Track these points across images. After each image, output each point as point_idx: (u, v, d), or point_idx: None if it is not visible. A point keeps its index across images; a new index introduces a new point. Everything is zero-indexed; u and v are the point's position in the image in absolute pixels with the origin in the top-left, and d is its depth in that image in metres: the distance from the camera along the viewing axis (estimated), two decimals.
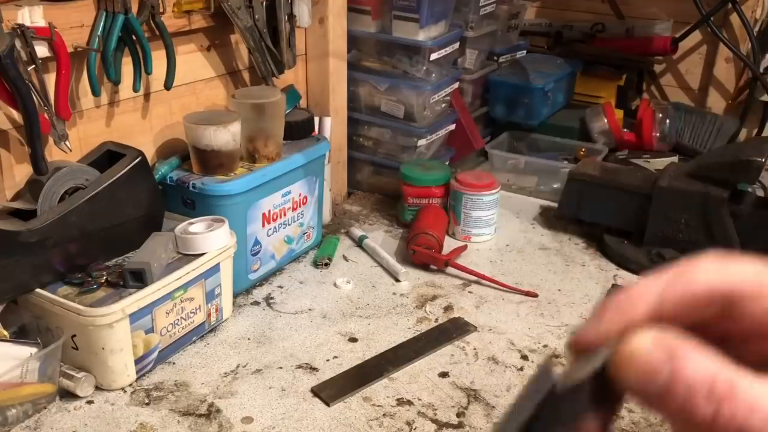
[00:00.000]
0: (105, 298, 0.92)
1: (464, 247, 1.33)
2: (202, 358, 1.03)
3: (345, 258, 1.31)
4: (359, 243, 1.35)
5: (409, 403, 0.95)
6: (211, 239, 1.03)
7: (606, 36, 1.93)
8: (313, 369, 1.01)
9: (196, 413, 0.92)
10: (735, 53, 1.71)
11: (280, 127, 1.20)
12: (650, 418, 0.92)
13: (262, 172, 1.15)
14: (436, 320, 1.13)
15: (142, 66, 1.09)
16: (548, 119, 1.74)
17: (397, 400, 0.95)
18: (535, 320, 1.13)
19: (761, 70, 1.69)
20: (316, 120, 1.39)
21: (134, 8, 1.04)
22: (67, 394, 0.94)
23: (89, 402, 0.93)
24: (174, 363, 1.01)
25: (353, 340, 1.08)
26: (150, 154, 1.18)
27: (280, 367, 1.01)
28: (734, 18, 1.72)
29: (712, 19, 1.68)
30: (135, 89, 1.10)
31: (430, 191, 1.39)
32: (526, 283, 1.23)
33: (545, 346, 1.07)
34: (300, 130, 1.27)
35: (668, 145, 1.68)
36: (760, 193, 1.39)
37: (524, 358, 1.04)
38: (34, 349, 0.90)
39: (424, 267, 1.28)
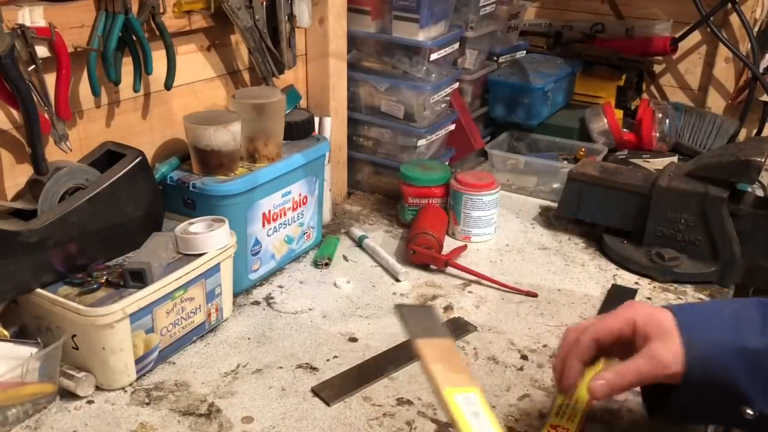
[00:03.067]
0: (105, 298, 0.92)
1: (464, 247, 1.34)
2: (203, 357, 1.03)
3: (345, 258, 1.32)
4: (359, 243, 1.35)
5: (409, 402, 0.95)
6: (211, 239, 1.03)
7: (606, 36, 1.93)
8: (313, 369, 1.01)
9: (197, 413, 0.92)
10: (735, 53, 1.71)
11: (280, 127, 1.21)
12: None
13: (262, 172, 1.15)
14: None
15: (143, 66, 1.09)
16: (548, 119, 1.74)
17: (397, 399, 0.96)
18: (535, 320, 1.14)
19: (761, 70, 1.69)
20: (316, 120, 1.39)
21: (134, 8, 1.04)
22: (68, 394, 0.94)
23: (89, 402, 0.93)
24: (174, 363, 1.02)
25: (353, 339, 1.08)
26: (150, 154, 1.18)
27: (280, 367, 1.01)
28: (734, 18, 1.73)
29: (711, 19, 1.68)
30: (135, 89, 1.10)
31: (430, 191, 1.39)
32: (526, 283, 1.23)
33: (545, 345, 1.07)
34: (300, 130, 1.27)
35: (668, 145, 1.68)
36: (760, 193, 1.40)
37: (524, 358, 1.04)
38: (34, 349, 0.90)
39: (424, 267, 1.28)
